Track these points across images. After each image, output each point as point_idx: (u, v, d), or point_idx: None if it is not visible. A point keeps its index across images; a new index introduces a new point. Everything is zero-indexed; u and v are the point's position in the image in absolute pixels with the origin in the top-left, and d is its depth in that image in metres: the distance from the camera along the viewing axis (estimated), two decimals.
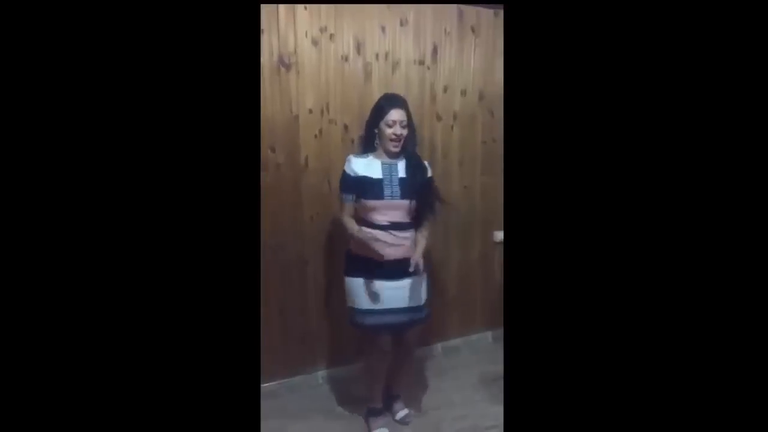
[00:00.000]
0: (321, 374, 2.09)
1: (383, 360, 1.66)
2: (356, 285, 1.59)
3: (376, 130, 1.56)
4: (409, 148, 1.59)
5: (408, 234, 1.61)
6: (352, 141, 1.91)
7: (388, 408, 1.82)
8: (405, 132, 1.54)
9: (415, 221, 1.63)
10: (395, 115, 1.52)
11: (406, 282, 1.60)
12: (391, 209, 1.56)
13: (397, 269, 1.57)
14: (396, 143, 1.54)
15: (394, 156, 1.58)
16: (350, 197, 1.57)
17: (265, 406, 1.62)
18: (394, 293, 1.59)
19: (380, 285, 1.57)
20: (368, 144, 1.60)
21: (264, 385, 1.93)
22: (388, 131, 1.52)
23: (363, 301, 1.59)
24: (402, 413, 1.80)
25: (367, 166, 1.57)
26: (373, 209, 1.55)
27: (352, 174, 1.56)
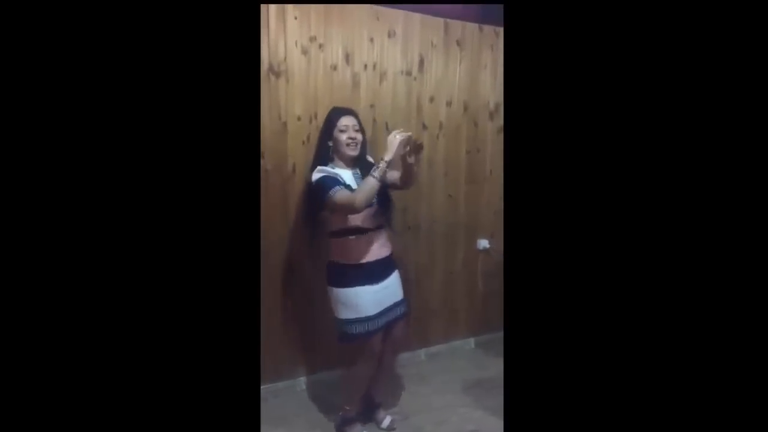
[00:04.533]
0: (304, 380, 2.09)
1: (373, 365, 1.68)
2: (355, 294, 1.57)
3: (330, 142, 1.58)
4: (362, 155, 1.62)
5: (383, 234, 1.67)
6: None
7: (368, 417, 1.83)
8: (359, 135, 1.59)
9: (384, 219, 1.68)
10: (346, 120, 1.57)
11: (390, 281, 1.67)
12: (370, 214, 1.59)
13: (382, 269, 1.64)
14: (353, 147, 1.57)
15: (353, 163, 1.61)
16: (341, 188, 1.49)
17: None
18: (384, 293, 1.63)
19: (374, 288, 1.60)
20: (323, 157, 1.59)
21: None
22: (343, 137, 1.56)
23: (363, 309, 1.58)
24: (387, 420, 1.82)
25: (341, 175, 1.57)
26: (359, 216, 1.57)
27: (332, 175, 1.53)
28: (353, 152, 1.58)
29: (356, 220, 1.57)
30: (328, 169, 1.55)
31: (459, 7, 2.15)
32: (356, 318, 1.58)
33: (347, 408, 1.74)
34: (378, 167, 1.44)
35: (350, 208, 1.47)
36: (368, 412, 1.84)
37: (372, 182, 1.44)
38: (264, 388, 1.98)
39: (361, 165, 1.63)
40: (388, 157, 1.42)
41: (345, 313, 1.59)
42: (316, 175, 1.54)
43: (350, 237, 1.58)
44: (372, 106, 2.02)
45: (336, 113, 1.60)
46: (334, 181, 1.50)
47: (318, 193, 1.52)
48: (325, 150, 1.59)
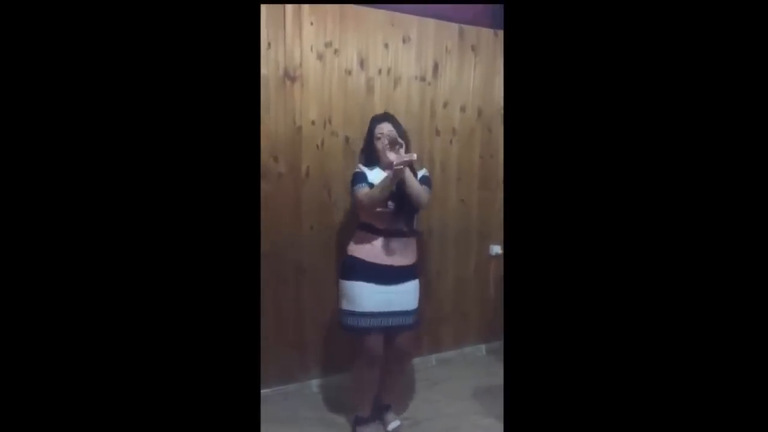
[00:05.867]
0: (315, 382, 2.10)
1: (373, 365, 1.68)
2: (356, 288, 1.61)
3: (371, 148, 1.68)
4: None
5: (410, 241, 1.68)
6: (354, 153, 1.95)
7: (378, 418, 1.83)
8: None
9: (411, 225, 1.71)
10: (381, 128, 1.65)
11: (405, 287, 1.67)
12: (398, 218, 1.62)
13: (398, 274, 1.65)
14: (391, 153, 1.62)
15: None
16: (365, 185, 1.60)
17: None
18: (392, 297, 1.64)
19: (379, 288, 1.61)
20: (367, 161, 1.69)
21: None
22: (379, 144, 1.63)
23: (360, 304, 1.61)
24: (394, 424, 1.81)
25: (376, 177, 1.63)
26: (383, 217, 1.60)
27: (364, 172, 1.63)
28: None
29: (372, 219, 1.61)
30: (363, 167, 1.66)
31: (473, 12, 2.15)
32: (352, 311, 1.62)
33: (358, 409, 1.76)
34: (381, 184, 1.51)
35: (360, 204, 1.60)
36: (379, 413, 1.84)
37: (376, 191, 1.54)
38: (275, 390, 2.00)
39: None
40: (390, 177, 1.47)
41: (344, 305, 1.65)
42: (357, 169, 1.66)
43: (367, 234, 1.64)
44: (386, 111, 2.02)
45: (373, 121, 1.69)
46: (362, 178, 1.62)
47: (350, 186, 1.66)
48: (368, 154, 1.70)
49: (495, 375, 2.27)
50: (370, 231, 1.63)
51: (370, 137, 1.67)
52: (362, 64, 1.96)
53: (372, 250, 1.62)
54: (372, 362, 1.67)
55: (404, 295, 1.67)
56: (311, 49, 1.86)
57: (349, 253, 1.67)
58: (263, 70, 1.78)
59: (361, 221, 1.68)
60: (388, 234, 1.63)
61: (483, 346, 2.52)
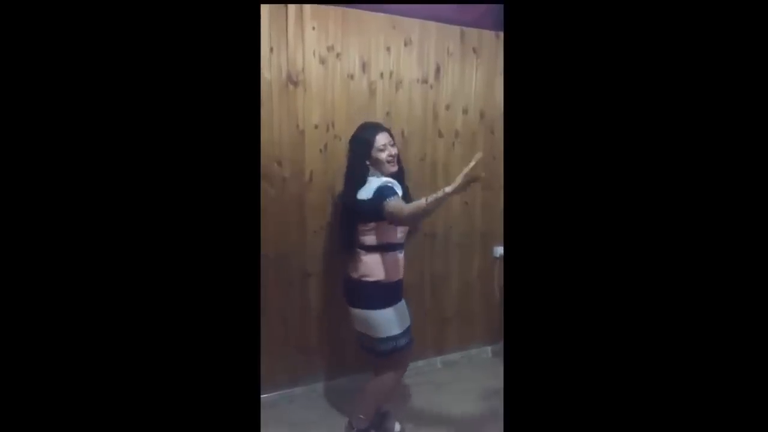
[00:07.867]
0: (321, 385, 2.10)
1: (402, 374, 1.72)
2: (394, 312, 1.60)
3: (368, 162, 1.53)
4: (400, 168, 1.63)
5: None
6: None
7: (379, 426, 1.82)
8: (395, 149, 1.58)
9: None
10: (383, 139, 1.54)
11: None
12: (408, 230, 1.64)
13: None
14: (394, 163, 1.57)
15: (395, 177, 1.59)
16: (398, 196, 1.44)
17: (265, 416, 1.63)
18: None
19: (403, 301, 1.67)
20: (362, 176, 1.53)
21: (264, 396, 1.94)
22: (383, 155, 1.53)
23: (403, 323, 1.62)
24: (398, 427, 1.82)
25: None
26: (402, 231, 1.60)
27: (392, 185, 1.50)
28: (395, 168, 1.57)
29: (398, 233, 1.59)
30: (389, 180, 1.52)
31: (474, 14, 2.16)
32: (406, 330, 1.63)
33: (362, 417, 1.73)
34: (435, 195, 1.26)
35: (396, 218, 1.41)
36: (379, 421, 1.83)
37: (421, 204, 1.30)
38: (280, 393, 2.00)
39: (397, 178, 1.61)
40: (449, 189, 1.22)
41: (394, 329, 1.58)
42: (376, 183, 1.48)
43: (390, 252, 1.59)
44: (388, 114, 2.03)
45: (370, 132, 1.55)
46: (392, 191, 1.46)
47: (375, 201, 1.44)
48: (364, 170, 1.53)
49: (500, 377, 2.25)
50: (392, 248, 1.59)
51: (367, 149, 1.52)
52: (364, 67, 1.97)
53: (398, 267, 1.62)
54: (404, 372, 1.70)
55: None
56: (314, 54, 1.87)
57: (378, 278, 1.56)
58: (266, 75, 1.80)
59: (378, 242, 1.54)
60: (403, 246, 1.65)
61: (488, 348, 2.51)
